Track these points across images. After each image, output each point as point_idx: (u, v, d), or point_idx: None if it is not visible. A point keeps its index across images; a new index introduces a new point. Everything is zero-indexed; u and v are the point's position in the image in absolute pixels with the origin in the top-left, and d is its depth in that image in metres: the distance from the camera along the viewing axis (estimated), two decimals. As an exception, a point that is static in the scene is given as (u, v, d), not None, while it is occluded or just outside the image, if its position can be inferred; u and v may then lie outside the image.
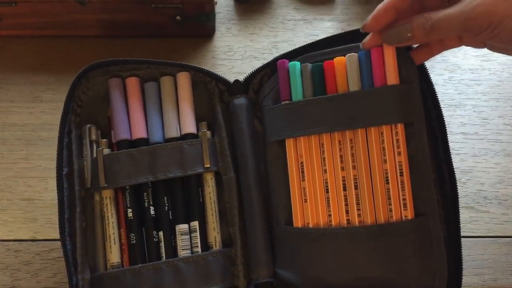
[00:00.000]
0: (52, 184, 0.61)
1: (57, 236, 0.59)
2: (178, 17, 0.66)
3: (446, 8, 0.46)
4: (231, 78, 0.58)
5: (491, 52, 0.68)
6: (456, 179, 0.52)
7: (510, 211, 0.61)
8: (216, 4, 0.67)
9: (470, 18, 0.45)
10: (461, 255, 0.51)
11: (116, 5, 0.65)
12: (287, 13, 0.71)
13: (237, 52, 0.68)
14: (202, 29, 0.68)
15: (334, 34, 0.55)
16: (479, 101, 0.66)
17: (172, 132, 0.55)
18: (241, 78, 0.58)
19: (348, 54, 0.52)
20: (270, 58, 0.67)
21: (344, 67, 0.52)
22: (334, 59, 0.52)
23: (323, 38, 0.55)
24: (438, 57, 0.68)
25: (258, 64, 0.67)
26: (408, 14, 0.49)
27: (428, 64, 0.67)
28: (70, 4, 0.64)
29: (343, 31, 0.69)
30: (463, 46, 0.68)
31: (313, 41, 0.55)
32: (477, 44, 0.51)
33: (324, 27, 0.70)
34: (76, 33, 0.68)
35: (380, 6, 0.49)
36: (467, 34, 0.47)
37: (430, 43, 0.52)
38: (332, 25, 0.70)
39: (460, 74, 0.67)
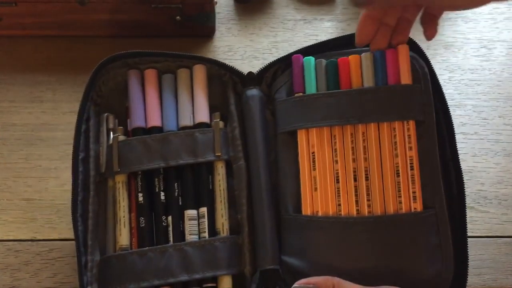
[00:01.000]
0: (52, 184, 0.61)
1: (57, 236, 0.59)
2: (178, 17, 0.66)
3: None
4: (231, 78, 0.58)
5: (491, 52, 0.68)
6: (464, 180, 0.52)
7: (510, 211, 0.61)
8: (216, 4, 0.67)
9: None
10: (467, 252, 0.51)
11: (116, 5, 0.65)
12: (287, 13, 0.71)
13: (237, 52, 0.68)
14: (202, 29, 0.68)
15: (343, 34, 0.57)
16: (479, 101, 0.66)
17: (186, 121, 0.56)
18: (241, 78, 0.58)
19: (364, 53, 0.54)
20: (270, 58, 0.67)
21: (359, 65, 0.53)
22: (350, 56, 0.54)
23: (333, 38, 0.57)
24: (438, 57, 0.68)
25: (258, 64, 0.67)
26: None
27: (428, 64, 0.67)
28: (70, 4, 0.64)
29: (343, 31, 0.69)
30: (464, 46, 0.68)
31: (334, 37, 0.57)
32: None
33: (324, 27, 0.70)
34: (76, 33, 0.68)
35: (359, 21, 0.52)
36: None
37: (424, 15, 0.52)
38: (332, 25, 0.70)
39: (460, 74, 0.67)
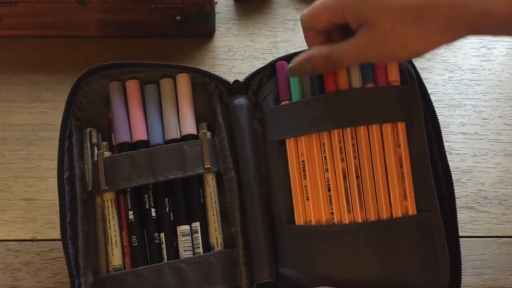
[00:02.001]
0: (52, 184, 0.61)
1: (57, 236, 0.59)
2: (178, 17, 0.66)
3: (344, 41, 0.47)
4: (231, 78, 0.58)
5: (491, 52, 0.68)
6: (454, 179, 0.52)
7: (510, 211, 0.61)
8: (216, 4, 0.67)
9: (364, 56, 0.47)
10: (460, 253, 0.51)
11: (116, 5, 0.65)
12: (287, 13, 0.71)
13: (237, 52, 0.68)
14: (202, 29, 0.68)
15: None
16: (479, 101, 0.66)
17: (172, 133, 0.55)
18: (241, 78, 0.58)
19: None
20: (270, 58, 0.67)
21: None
22: None
23: None
24: (438, 57, 0.68)
25: (258, 64, 0.67)
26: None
27: (428, 64, 0.67)
28: (70, 4, 0.64)
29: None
30: (464, 46, 0.68)
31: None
32: None
33: (324, 27, 0.70)
34: (76, 33, 0.68)
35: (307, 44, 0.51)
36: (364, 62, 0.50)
37: None
38: (332, 25, 0.70)
39: (460, 74, 0.67)
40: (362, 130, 0.51)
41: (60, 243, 0.53)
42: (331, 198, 0.51)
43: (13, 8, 0.65)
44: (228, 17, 0.70)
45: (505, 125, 0.65)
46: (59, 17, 0.66)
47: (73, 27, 0.67)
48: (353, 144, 0.51)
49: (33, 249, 0.59)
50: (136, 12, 0.66)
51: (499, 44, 0.69)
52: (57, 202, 0.53)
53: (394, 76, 0.51)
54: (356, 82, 0.52)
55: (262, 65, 0.58)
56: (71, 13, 0.65)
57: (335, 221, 0.51)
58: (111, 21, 0.67)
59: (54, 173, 0.54)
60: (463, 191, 0.61)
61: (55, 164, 0.54)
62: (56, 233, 0.59)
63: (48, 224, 0.60)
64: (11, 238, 0.60)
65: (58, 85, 0.66)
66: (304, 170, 0.52)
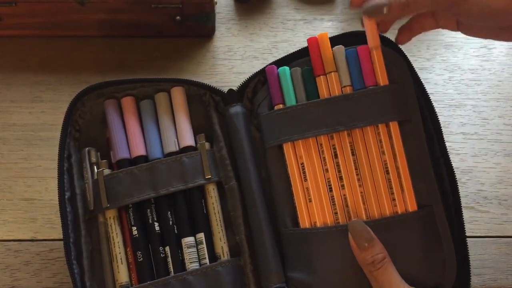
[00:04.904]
0: (52, 184, 0.61)
1: (57, 236, 0.59)
2: (178, 17, 0.66)
3: None
4: (231, 78, 0.58)
5: (491, 52, 0.68)
6: (456, 176, 0.52)
7: (510, 211, 0.61)
8: (216, 4, 0.67)
9: None
10: (468, 252, 0.51)
11: (116, 5, 0.65)
12: (287, 13, 0.71)
13: (237, 52, 0.68)
14: (202, 29, 0.68)
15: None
16: (479, 101, 0.66)
17: (171, 146, 0.55)
18: (241, 78, 0.58)
19: (336, 47, 0.53)
20: (270, 58, 0.67)
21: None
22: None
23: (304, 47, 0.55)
24: (438, 57, 0.68)
25: (258, 64, 0.67)
26: None
27: (428, 64, 0.67)
28: (70, 4, 0.64)
29: (343, 31, 0.69)
30: (464, 46, 0.68)
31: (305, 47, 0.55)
32: (451, 24, 0.52)
33: (324, 27, 0.70)
34: (76, 33, 0.68)
35: None
36: (438, 8, 0.49)
37: (411, 25, 0.53)
38: (332, 25, 0.70)
39: (460, 74, 0.67)
40: (358, 132, 0.51)
41: (60, 243, 0.53)
42: (334, 198, 0.52)
43: (13, 8, 0.65)
44: (228, 17, 0.70)
45: (505, 125, 0.65)
46: (59, 17, 0.66)
47: (73, 27, 0.67)
48: (352, 152, 0.52)
49: (33, 249, 0.59)
50: (136, 12, 0.66)
51: (499, 44, 0.69)
52: (57, 202, 0.53)
53: (382, 74, 0.51)
54: (347, 81, 0.52)
55: (262, 65, 0.58)
56: (71, 13, 0.65)
57: (340, 221, 0.51)
58: (111, 21, 0.67)
59: (54, 173, 0.54)
60: (463, 191, 0.61)
61: (55, 164, 0.54)
62: (56, 233, 0.59)
63: (48, 224, 0.60)
64: (11, 238, 0.60)
65: (58, 85, 0.66)
66: (304, 172, 0.52)
